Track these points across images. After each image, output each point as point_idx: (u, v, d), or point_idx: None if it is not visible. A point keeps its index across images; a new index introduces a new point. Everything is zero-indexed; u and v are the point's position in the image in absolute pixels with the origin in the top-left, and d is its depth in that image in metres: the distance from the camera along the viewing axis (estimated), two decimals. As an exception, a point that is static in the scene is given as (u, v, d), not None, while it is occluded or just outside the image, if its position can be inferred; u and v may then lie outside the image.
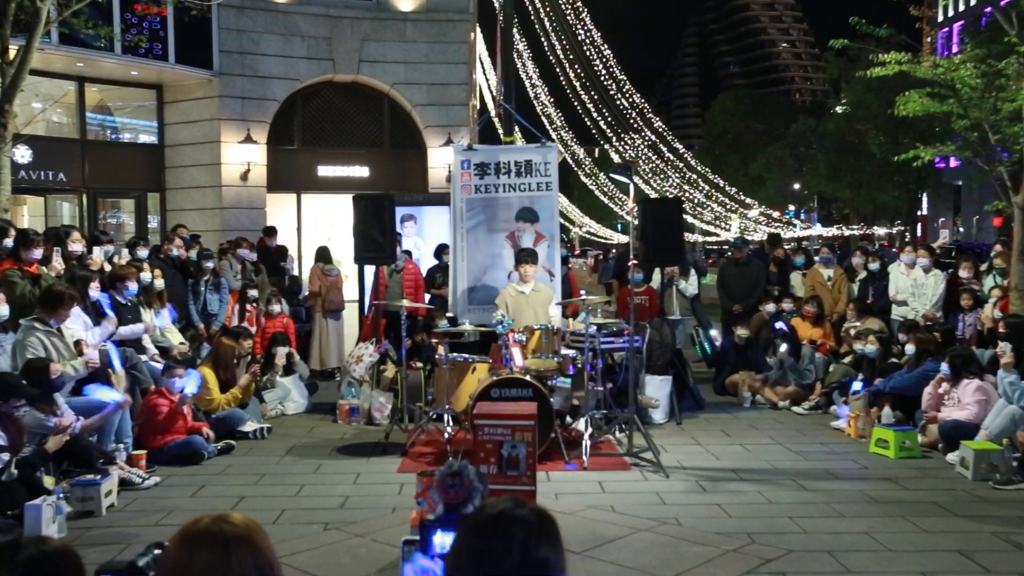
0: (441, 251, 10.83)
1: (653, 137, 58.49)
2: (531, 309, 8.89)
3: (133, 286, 9.21)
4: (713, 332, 12.56)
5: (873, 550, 5.65)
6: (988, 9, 12.45)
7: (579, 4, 36.45)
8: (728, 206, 63.50)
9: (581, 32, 39.08)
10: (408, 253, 11.56)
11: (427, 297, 11.32)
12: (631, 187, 9.84)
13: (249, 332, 10.18)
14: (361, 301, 11.77)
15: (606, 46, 42.61)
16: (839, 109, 44.80)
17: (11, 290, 7.85)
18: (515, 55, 21.82)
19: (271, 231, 13.48)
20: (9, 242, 8.74)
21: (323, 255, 12.66)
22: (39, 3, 9.92)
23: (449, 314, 10.51)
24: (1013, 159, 11.48)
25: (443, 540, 4.10)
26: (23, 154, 13.58)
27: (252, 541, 1.95)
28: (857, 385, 9.34)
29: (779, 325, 10.98)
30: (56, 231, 9.98)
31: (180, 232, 11.62)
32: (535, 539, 1.94)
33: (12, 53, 9.99)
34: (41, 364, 6.94)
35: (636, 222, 8.89)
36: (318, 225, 16.47)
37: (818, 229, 63.03)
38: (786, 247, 14.76)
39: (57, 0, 10.30)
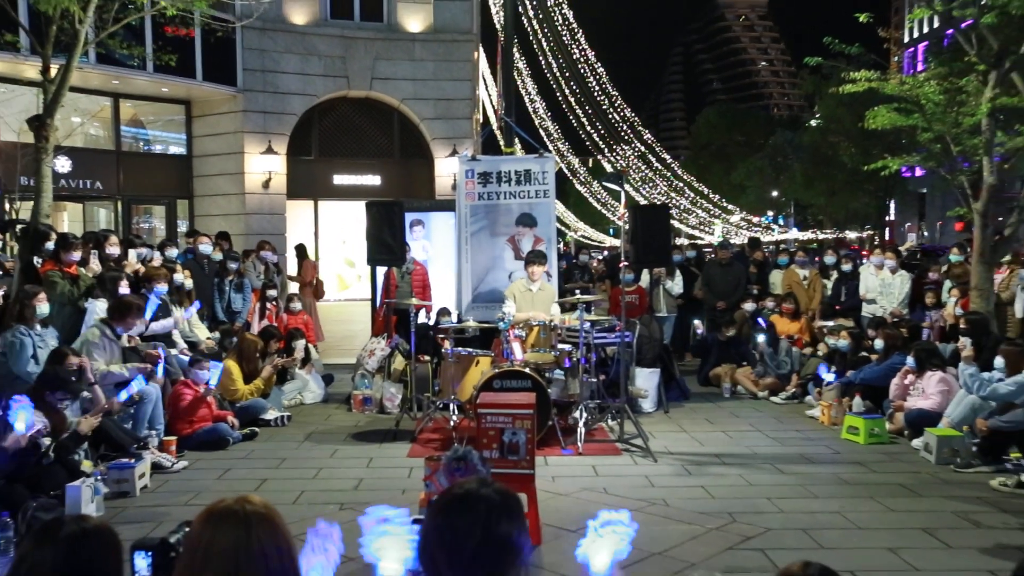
0: (440, 314, 10.78)
1: (642, 148, 58.51)
2: (537, 305, 8.89)
3: (162, 286, 9.22)
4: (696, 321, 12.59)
5: (844, 528, 5.68)
6: (950, 31, 12.44)
7: (574, 25, 36.49)
8: (712, 212, 63.50)
9: (576, 51, 39.13)
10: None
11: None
12: (622, 194, 9.85)
13: (278, 333, 10.19)
14: (373, 299, 11.79)
15: (599, 64, 42.70)
16: (813, 122, 44.75)
17: (52, 289, 7.89)
18: (515, 72, 21.83)
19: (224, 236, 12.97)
20: (50, 245, 8.76)
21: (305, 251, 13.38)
22: (78, 25, 9.92)
23: (454, 311, 10.54)
24: (973, 169, 11.48)
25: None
26: (63, 164, 13.60)
27: (270, 520, 1.97)
28: (830, 377, 9.37)
29: (760, 321, 11.03)
30: (95, 235, 10.01)
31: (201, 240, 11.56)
32: (497, 516, 1.93)
33: (53, 71, 10.00)
34: (63, 353, 7.00)
35: (627, 227, 8.88)
36: (334, 229, 16.49)
37: (794, 233, 62.95)
38: (765, 250, 14.77)
39: (94, 22, 10.31)
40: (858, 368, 9.28)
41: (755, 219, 63.22)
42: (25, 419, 5.45)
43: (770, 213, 65.65)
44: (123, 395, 7.06)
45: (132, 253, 10.09)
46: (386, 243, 8.97)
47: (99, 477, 6.20)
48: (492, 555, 1.89)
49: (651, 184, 61.06)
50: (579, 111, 45.72)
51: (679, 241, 28.85)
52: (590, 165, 60.11)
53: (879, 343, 9.26)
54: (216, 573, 1.88)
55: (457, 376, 8.44)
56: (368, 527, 2.27)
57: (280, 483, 6.84)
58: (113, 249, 9.41)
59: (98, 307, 8.27)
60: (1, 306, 7.88)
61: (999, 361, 7.59)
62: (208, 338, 9.75)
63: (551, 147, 36.79)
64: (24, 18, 11.01)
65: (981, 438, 7.15)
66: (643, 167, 60.03)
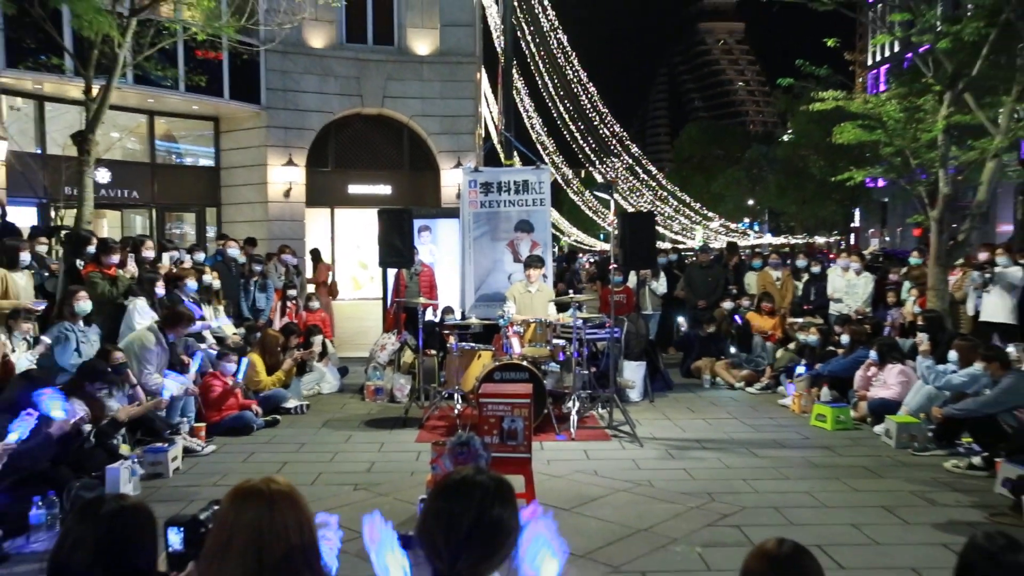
0: (445, 312, 10.76)
1: (630, 160, 58.49)
2: (534, 304, 8.89)
3: (192, 284, 9.25)
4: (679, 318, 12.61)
5: (813, 506, 5.69)
6: (909, 55, 12.45)
7: (567, 48, 36.48)
8: (693, 218, 63.42)
9: (569, 72, 39.12)
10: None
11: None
12: (611, 203, 9.89)
13: (298, 329, 10.19)
14: (384, 299, 11.78)
15: (590, 83, 42.71)
16: (786, 138, 44.61)
17: (93, 289, 7.89)
18: (514, 91, 21.84)
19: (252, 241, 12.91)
20: (91, 249, 8.76)
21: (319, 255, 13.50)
22: (117, 49, 9.93)
23: (458, 309, 10.54)
24: (930, 180, 11.48)
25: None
26: (103, 175, 13.59)
27: (291, 499, 1.97)
28: (800, 369, 9.38)
29: (737, 318, 11.03)
30: (132, 240, 10.02)
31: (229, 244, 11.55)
32: (490, 501, 1.94)
33: (95, 91, 10.01)
34: (108, 350, 7.05)
35: (616, 232, 8.88)
36: (348, 235, 16.47)
37: (768, 238, 62.84)
38: (741, 253, 14.77)
39: (132, 46, 10.31)
40: (826, 361, 9.28)
41: (732, 225, 63.11)
42: (60, 407, 5.44)
43: (746, 220, 65.54)
44: (166, 394, 7.10)
45: (165, 256, 10.11)
46: (396, 247, 8.96)
47: (136, 460, 6.23)
48: (485, 536, 1.90)
49: (638, 193, 61.05)
50: (572, 127, 45.80)
51: (663, 245, 28.83)
52: (582, 176, 60.01)
53: (845, 338, 9.26)
54: (242, 547, 1.89)
55: (461, 368, 8.44)
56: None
57: (300, 466, 6.84)
58: (148, 253, 9.42)
59: (137, 305, 8.29)
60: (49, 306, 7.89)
61: (952, 355, 7.61)
62: (234, 333, 9.75)
63: (547, 159, 36.85)
64: (68, 43, 11.00)
65: (936, 425, 7.15)
66: (631, 178, 60.01)
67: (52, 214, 12.55)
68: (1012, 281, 9.47)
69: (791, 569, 2.03)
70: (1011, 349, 7.85)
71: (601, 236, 69.36)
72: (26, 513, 4.94)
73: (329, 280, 13.45)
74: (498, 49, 19.51)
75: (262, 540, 1.89)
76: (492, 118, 27.19)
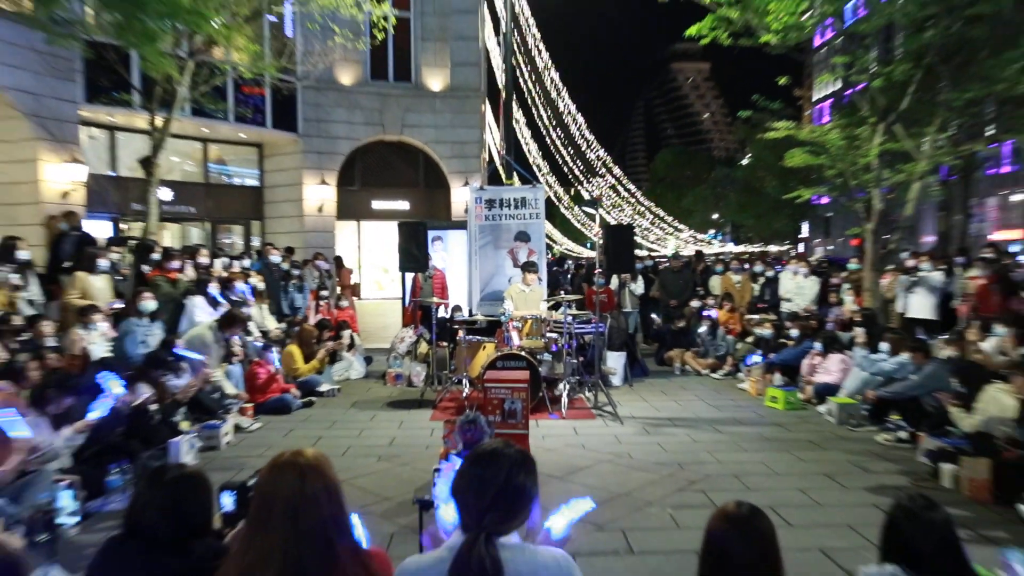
0: (455, 310, 10.75)
1: (613, 180, 58.29)
2: (529, 302, 8.90)
3: (241, 286, 9.27)
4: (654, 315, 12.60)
5: (766, 474, 5.71)
6: (849, 92, 12.46)
7: (559, 84, 36.43)
8: (666, 230, 63.32)
9: (560, 104, 39.03)
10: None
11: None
12: (597, 216, 9.87)
13: (329, 324, 10.20)
14: (403, 298, 11.78)
15: (579, 114, 42.67)
16: (745, 161, 44.61)
17: (157, 290, 7.92)
18: (513, 121, 21.81)
19: (290, 250, 12.79)
20: (156, 256, 8.79)
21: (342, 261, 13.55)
22: (177, 87, 9.95)
23: (465, 307, 10.55)
24: (866, 198, 11.52)
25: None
26: (165, 194, 13.52)
27: (320, 469, 1.94)
28: (756, 358, 9.40)
29: (706, 313, 10.99)
30: (189, 248, 10.05)
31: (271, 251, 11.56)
32: (516, 470, 1.95)
33: (158, 122, 10.04)
34: (170, 341, 7.08)
35: (600, 242, 8.89)
36: (372, 244, 16.46)
37: (730, 247, 62.69)
38: (707, 260, 14.76)
39: (189, 84, 10.33)
40: (778, 351, 9.31)
41: (700, 236, 63.02)
42: (117, 384, 5.44)
43: (712, 231, 65.46)
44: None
45: (217, 262, 10.13)
46: (413, 254, 8.95)
47: (194, 435, 6.26)
48: (509, 500, 1.92)
49: (619, 208, 60.80)
50: (563, 151, 45.66)
51: (641, 253, 28.78)
52: (572, 193, 59.95)
53: (794, 332, 9.29)
54: (280, 515, 1.86)
55: (468, 358, 8.46)
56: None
57: (332, 440, 6.86)
58: (203, 259, 9.47)
59: (195, 302, 8.32)
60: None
61: (884, 346, 7.65)
62: (276, 328, 9.78)
63: (541, 179, 36.75)
64: (137, 81, 11.01)
65: (870, 405, 7.18)
66: (613, 195, 59.76)
67: (123, 227, 12.56)
68: (934, 284, 9.51)
69: (747, 526, 2.06)
70: (933, 341, 7.88)
71: (588, 245, 69.14)
72: (104, 479, 4.98)
73: (352, 282, 13.41)
74: (500, 85, 19.48)
75: (297, 508, 1.86)
76: (495, 143, 27.16)
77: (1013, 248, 18.20)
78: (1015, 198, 26.47)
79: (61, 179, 10.47)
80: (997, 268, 8.88)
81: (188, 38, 10.08)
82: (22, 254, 7.71)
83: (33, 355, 5.99)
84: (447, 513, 2.18)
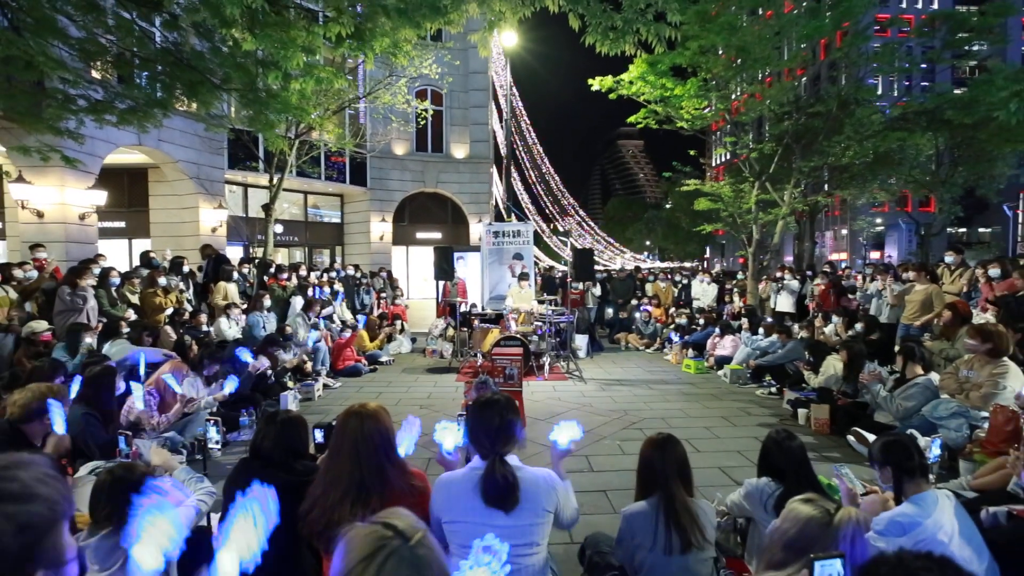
0: (472, 307, 10.70)
1: (579, 218, 58.17)
2: (522, 300, 8.87)
3: (326, 289, 9.22)
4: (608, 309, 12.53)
5: (683, 417, 5.66)
6: (736, 159, 12.49)
7: (542, 153, 36.47)
8: (615, 252, 63.21)
9: (543, 167, 39.09)
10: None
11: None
12: (568, 243, 9.84)
13: (387, 316, 10.12)
14: (437, 298, 11.71)
15: (556, 172, 42.73)
16: (668, 206, 44.67)
17: (272, 293, 7.89)
18: (512, 179, 21.76)
19: (357, 267, 12.23)
20: (272, 270, 8.75)
21: (391, 273, 12.97)
22: (287, 157, 9.96)
23: (478, 305, 10.51)
24: (748, 231, 11.53)
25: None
26: (278, 229, 13.54)
27: (376, 416, 1.91)
28: (676, 338, 9.35)
29: (643, 308, 10.95)
30: (294, 265, 10.01)
31: (348, 267, 11.51)
32: (506, 410, 1.95)
33: (274, 181, 10.04)
34: (281, 328, 7.03)
35: (571, 260, 8.86)
36: (417, 262, 16.43)
37: (659, 263, 62.60)
38: (643, 272, 14.72)
39: (295, 155, 10.33)
40: (690, 334, 9.28)
41: (638, 256, 62.91)
42: (248, 355, 5.41)
43: (646, 252, 65.40)
44: (310, 342, 7.15)
45: (313, 274, 10.09)
46: (444, 268, 8.94)
47: (296, 390, 6.22)
48: (505, 431, 1.91)
49: (583, 237, 60.68)
50: (544, 198, 45.68)
51: (598, 267, 28.67)
52: (551, 227, 59.82)
53: (702, 321, 9.26)
54: (349, 449, 1.85)
55: (481, 339, 8.40)
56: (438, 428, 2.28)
57: (388, 395, 6.78)
58: (303, 272, 9.42)
59: (296, 302, 8.29)
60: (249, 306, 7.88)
61: (761, 331, 7.62)
62: (352, 318, 9.75)
63: (530, 217, 36.71)
64: (261, 154, 11.03)
65: (752, 370, 7.16)
66: (579, 228, 59.67)
67: (250, 251, 12.55)
68: (793, 289, 9.49)
69: (666, 448, 2.09)
70: (793, 327, 7.87)
71: (563, 262, 68.86)
72: (237, 419, 4.96)
73: (400, 288, 13.15)
74: (502, 154, 19.48)
75: (358, 444, 1.84)
76: (499, 194, 27.13)
77: (842, 265, 18.18)
78: (843, 232, 26.67)
79: (211, 220, 10.46)
80: (832, 278, 8.90)
81: (295, 125, 10.10)
82: (185, 268, 7.70)
83: (193, 337, 5.98)
84: (443, 437, 2.19)
